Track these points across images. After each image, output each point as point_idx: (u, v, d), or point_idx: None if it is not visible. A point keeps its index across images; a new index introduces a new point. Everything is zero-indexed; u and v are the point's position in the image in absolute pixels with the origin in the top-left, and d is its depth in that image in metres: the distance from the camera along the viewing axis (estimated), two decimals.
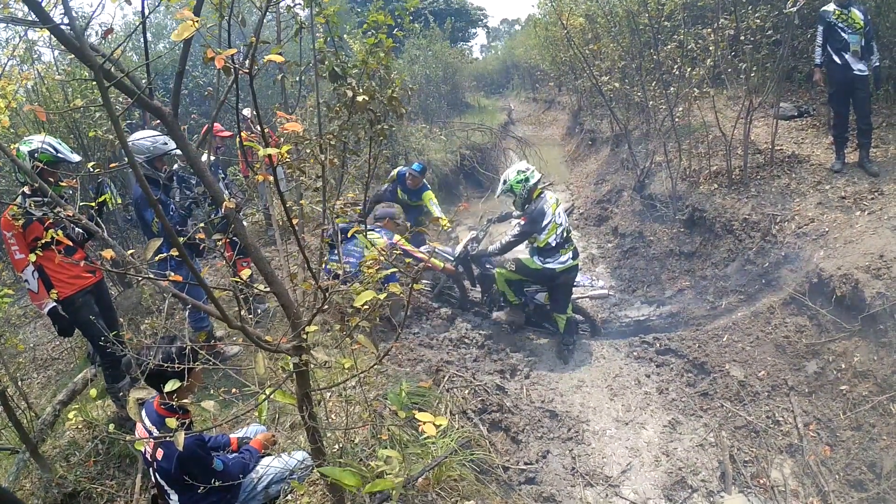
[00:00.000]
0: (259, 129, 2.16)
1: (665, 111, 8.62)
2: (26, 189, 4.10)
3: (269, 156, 1.93)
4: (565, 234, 6.02)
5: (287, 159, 2.09)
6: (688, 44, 8.00)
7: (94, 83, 1.63)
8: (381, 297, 2.34)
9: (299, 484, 3.13)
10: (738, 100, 8.73)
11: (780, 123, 8.00)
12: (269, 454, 3.58)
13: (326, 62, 3.42)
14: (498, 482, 4.31)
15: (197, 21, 1.61)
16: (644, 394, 5.74)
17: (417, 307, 6.96)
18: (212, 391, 3.00)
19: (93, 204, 3.93)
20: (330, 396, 4.35)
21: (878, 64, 6.66)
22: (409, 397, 4.32)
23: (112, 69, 1.80)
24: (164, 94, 11.30)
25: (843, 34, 6.54)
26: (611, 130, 13.05)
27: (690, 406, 5.49)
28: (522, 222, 5.96)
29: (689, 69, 7.87)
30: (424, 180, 7.79)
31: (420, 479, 3.48)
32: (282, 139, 2.34)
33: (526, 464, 4.79)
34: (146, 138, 4.75)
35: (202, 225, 3.79)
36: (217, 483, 2.85)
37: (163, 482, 3.06)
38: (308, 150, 2.75)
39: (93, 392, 3.57)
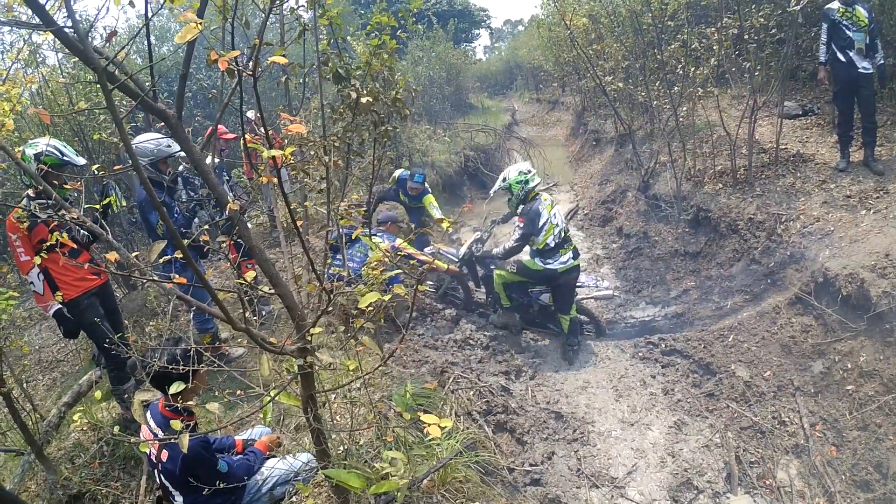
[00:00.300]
0: (263, 130, 2.16)
1: (669, 111, 8.60)
2: (31, 192, 4.10)
3: (273, 158, 1.93)
4: (563, 235, 6.06)
5: (291, 161, 2.09)
6: (691, 43, 7.97)
7: (98, 86, 1.63)
8: (386, 298, 2.33)
9: (304, 486, 3.13)
10: (743, 99, 8.72)
11: (784, 122, 7.97)
12: (273, 456, 3.58)
13: (330, 64, 3.42)
14: (503, 483, 4.31)
15: (200, 23, 1.61)
16: (649, 395, 5.73)
17: (421, 308, 6.96)
18: (216, 393, 3.00)
19: (97, 206, 3.94)
20: (335, 398, 4.35)
21: (882, 62, 6.63)
22: (413, 399, 4.32)
23: (116, 72, 1.80)
24: (168, 97, 11.33)
25: (847, 32, 6.51)
26: (615, 131, 13.02)
27: (696, 407, 5.48)
28: (521, 224, 5.98)
29: (692, 69, 7.85)
30: (426, 185, 7.85)
31: (425, 481, 3.47)
32: (286, 141, 2.34)
33: (531, 465, 4.79)
34: (150, 141, 4.75)
35: (206, 227, 3.81)
36: (222, 485, 2.85)
37: (168, 484, 3.06)
38: (312, 152, 2.76)
39: (98, 394, 3.58)
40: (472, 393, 5.12)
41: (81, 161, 4.21)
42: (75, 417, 3.80)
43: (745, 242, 7.04)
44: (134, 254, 2.23)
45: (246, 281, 2.40)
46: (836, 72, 6.75)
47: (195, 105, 12.73)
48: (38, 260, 3.74)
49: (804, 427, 4.85)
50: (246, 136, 2.56)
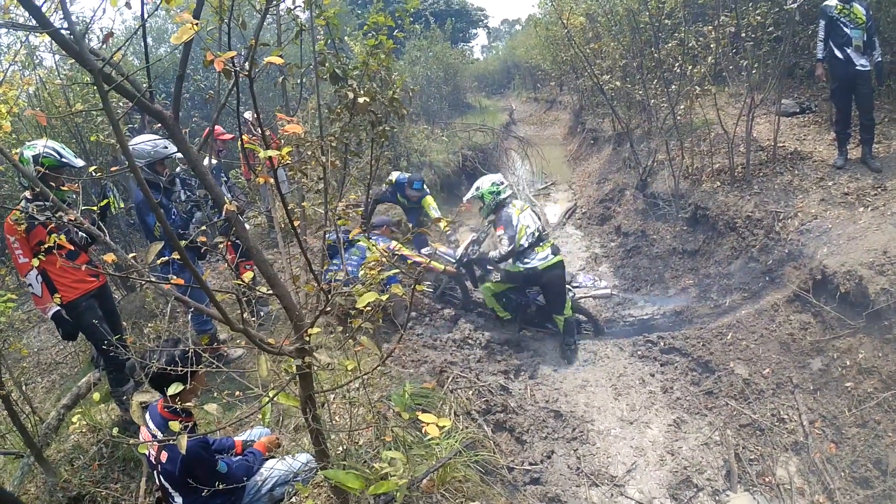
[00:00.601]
0: (260, 131, 2.16)
1: (667, 109, 8.60)
2: (28, 194, 4.09)
3: (271, 158, 1.93)
4: (537, 234, 6.22)
5: (288, 161, 2.09)
6: (689, 41, 7.98)
7: (95, 88, 1.63)
8: (384, 298, 2.33)
9: (303, 486, 3.13)
10: (740, 97, 8.71)
11: (782, 120, 7.97)
12: (273, 457, 3.58)
13: (327, 64, 3.42)
14: (503, 483, 4.31)
15: (197, 24, 1.61)
16: (648, 393, 5.73)
17: (420, 308, 6.96)
18: (215, 394, 3.00)
19: (95, 208, 3.93)
20: (333, 398, 4.35)
21: (879, 59, 6.62)
22: (412, 398, 4.32)
23: (112, 73, 1.80)
24: (165, 98, 11.32)
25: (845, 29, 6.51)
26: (612, 129, 13.03)
27: (695, 405, 5.48)
28: (502, 232, 6.15)
29: (690, 67, 7.85)
30: (425, 186, 7.90)
31: (424, 481, 3.47)
32: (283, 141, 2.34)
33: (531, 464, 4.79)
34: (147, 142, 4.74)
35: (204, 228, 3.80)
36: (221, 486, 2.85)
37: (167, 485, 3.06)
38: (310, 153, 2.75)
39: (96, 396, 3.58)
40: (471, 392, 5.12)
41: (80, 163, 4.20)
42: (74, 419, 3.80)
43: (743, 240, 7.04)
44: (132, 255, 2.23)
45: (244, 282, 2.40)
46: (834, 69, 6.75)
47: (192, 106, 12.70)
48: (36, 262, 3.74)
49: (803, 424, 4.86)
50: (243, 136, 2.56)
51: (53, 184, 3.95)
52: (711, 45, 7.78)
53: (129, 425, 4.36)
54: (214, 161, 6.13)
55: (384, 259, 2.64)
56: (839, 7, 6.51)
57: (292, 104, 5.62)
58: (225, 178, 6.86)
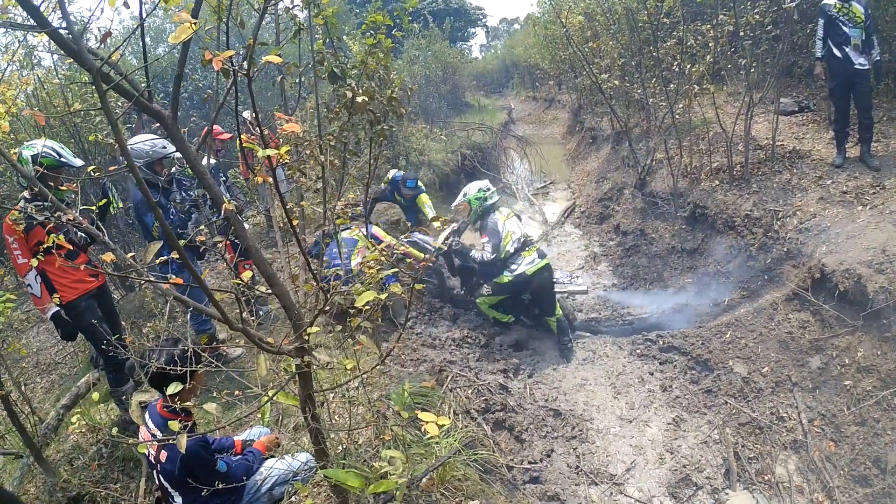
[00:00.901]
0: (258, 130, 2.16)
1: (665, 108, 8.61)
2: (27, 193, 4.09)
3: (269, 157, 1.93)
4: (522, 240, 6.31)
5: (287, 161, 2.08)
6: (687, 40, 7.98)
7: (94, 87, 1.63)
8: (383, 297, 2.33)
9: (303, 485, 3.13)
10: (739, 96, 8.71)
11: (780, 119, 7.97)
12: (272, 456, 3.58)
13: (325, 63, 3.42)
14: (502, 481, 4.31)
15: (195, 24, 1.61)
16: (648, 391, 5.74)
17: (419, 306, 6.96)
18: (215, 393, 3.00)
19: (94, 208, 3.92)
20: (333, 397, 4.35)
21: (878, 58, 6.63)
22: (412, 397, 4.32)
23: (111, 73, 1.79)
24: (164, 98, 11.31)
25: (843, 28, 6.51)
26: (611, 128, 13.03)
27: (694, 403, 5.49)
28: (486, 240, 6.25)
29: (688, 66, 7.86)
30: (420, 184, 7.93)
31: (424, 480, 3.48)
32: (281, 140, 2.34)
33: (530, 463, 4.79)
34: (145, 142, 4.74)
35: (203, 227, 3.80)
36: (221, 485, 2.85)
37: (167, 484, 3.06)
38: (308, 152, 2.75)
39: (96, 396, 3.58)
40: (470, 391, 5.12)
41: (79, 162, 4.20)
42: (74, 419, 3.79)
43: (742, 239, 7.05)
44: (130, 255, 2.22)
45: (243, 281, 2.40)
46: (833, 68, 6.76)
47: (191, 106, 12.70)
48: (35, 262, 3.73)
49: (802, 423, 4.86)
50: (242, 136, 2.55)
51: (52, 184, 3.95)
52: (710, 44, 7.78)
53: (128, 425, 4.36)
54: (213, 161, 6.13)
55: (383, 258, 2.64)
56: (838, 6, 6.52)
57: (291, 103, 5.62)
58: (223, 178, 6.86)
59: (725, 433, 5.02)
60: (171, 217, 4.87)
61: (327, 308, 2.39)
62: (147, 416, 3.07)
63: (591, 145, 14.86)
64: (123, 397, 4.56)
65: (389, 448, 3.40)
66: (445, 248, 6.65)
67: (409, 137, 12.22)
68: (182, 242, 1.93)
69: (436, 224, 2.50)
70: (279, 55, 1.88)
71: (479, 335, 6.46)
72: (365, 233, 5.69)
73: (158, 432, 2.96)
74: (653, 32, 9.01)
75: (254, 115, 2.11)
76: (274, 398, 2.48)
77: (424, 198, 7.87)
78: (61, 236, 2.87)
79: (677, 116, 8.50)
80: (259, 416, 3.94)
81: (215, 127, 6.86)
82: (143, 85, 1.94)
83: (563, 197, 13.14)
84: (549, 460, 4.90)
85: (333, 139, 2.91)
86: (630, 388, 5.83)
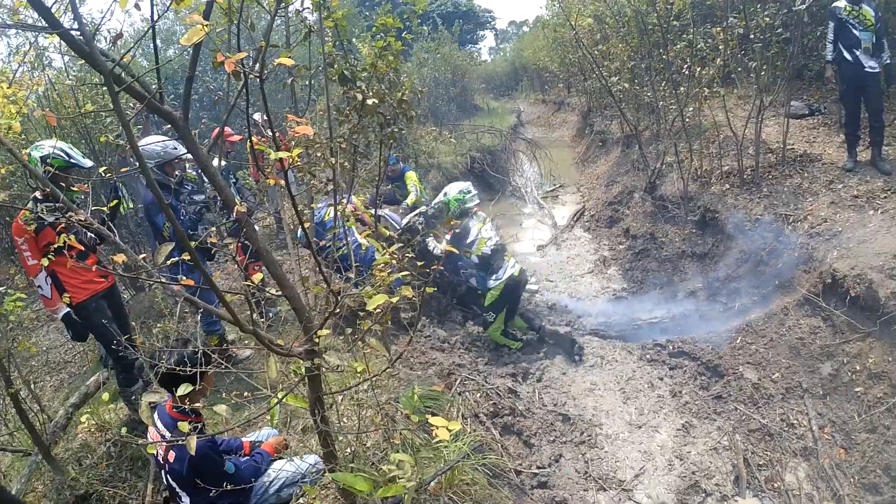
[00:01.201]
0: (270, 132, 2.16)
1: (675, 111, 8.57)
2: (38, 194, 4.11)
3: (280, 159, 1.93)
4: (497, 246, 6.34)
5: (298, 163, 2.08)
6: (697, 43, 7.95)
7: (105, 88, 1.63)
8: (394, 300, 2.33)
9: (311, 487, 3.13)
10: (749, 99, 8.68)
11: (791, 122, 7.93)
12: (281, 458, 3.58)
13: (336, 66, 3.43)
14: (510, 486, 4.29)
15: (206, 26, 1.61)
16: (657, 397, 5.71)
17: (428, 310, 6.96)
18: (224, 395, 3.00)
19: (105, 208, 3.94)
20: (342, 400, 4.34)
21: (889, 61, 6.59)
22: (421, 401, 4.31)
23: (122, 74, 1.80)
24: (175, 99, 11.37)
25: (854, 31, 6.48)
26: (621, 131, 12.99)
27: (704, 409, 5.45)
28: (449, 237, 6.34)
29: (698, 69, 7.82)
30: (402, 164, 8.09)
31: (432, 484, 3.46)
32: (292, 143, 2.34)
33: (538, 468, 4.77)
34: (156, 143, 4.76)
35: (213, 229, 3.81)
36: (229, 486, 2.85)
37: (175, 485, 3.06)
38: (319, 154, 2.75)
39: (105, 395, 3.59)
40: (479, 395, 5.11)
41: (88, 163, 4.22)
42: (83, 419, 3.81)
43: (753, 243, 7.00)
44: (141, 256, 2.23)
45: (253, 283, 2.40)
46: (843, 71, 6.72)
47: (202, 107, 12.76)
48: (45, 263, 3.75)
49: (812, 429, 4.82)
50: (252, 138, 2.56)
51: (63, 184, 3.97)
52: (720, 47, 7.74)
53: (137, 425, 4.38)
54: (224, 162, 6.15)
55: (393, 261, 2.63)
56: (848, 9, 6.48)
57: (301, 106, 5.63)
58: (234, 180, 6.88)
59: (735, 439, 4.99)
60: (181, 218, 4.89)
61: (338, 311, 2.38)
62: (156, 416, 3.08)
63: (601, 148, 14.81)
64: (132, 397, 4.57)
65: (398, 451, 3.39)
66: (409, 227, 6.67)
67: (418, 140, 12.23)
68: (193, 243, 1.93)
69: (409, 201, 2.49)
70: (290, 57, 1.88)
71: (487, 338, 6.44)
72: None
73: (167, 433, 2.97)
74: (662, 35, 8.98)
75: (265, 116, 2.12)
76: (283, 400, 2.48)
77: (412, 175, 7.93)
78: (72, 237, 2.88)
79: (687, 120, 8.46)
80: (268, 417, 3.95)
81: (226, 128, 6.89)
82: (154, 86, 1.95)
83: (572, 200, 13.10)
84: (558, 465, 4.88)
85: (344, 141, 2.92)
86: (639, 393, 5.80)
